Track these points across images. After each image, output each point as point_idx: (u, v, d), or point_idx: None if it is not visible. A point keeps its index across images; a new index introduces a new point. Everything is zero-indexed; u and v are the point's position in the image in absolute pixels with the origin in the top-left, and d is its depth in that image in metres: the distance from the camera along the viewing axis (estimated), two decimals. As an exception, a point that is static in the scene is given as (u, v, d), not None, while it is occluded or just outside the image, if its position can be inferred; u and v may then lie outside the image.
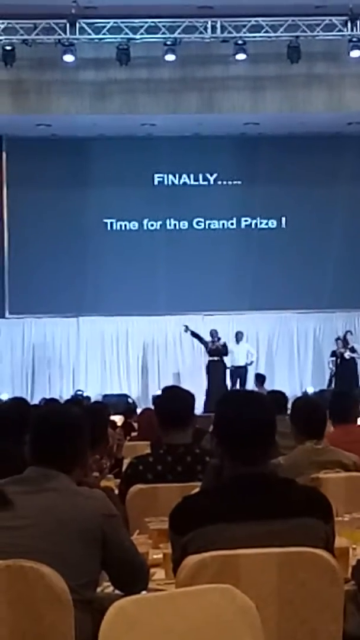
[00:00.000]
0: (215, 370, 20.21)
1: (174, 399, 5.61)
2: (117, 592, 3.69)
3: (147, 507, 4.97)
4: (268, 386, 18.71)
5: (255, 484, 3.43)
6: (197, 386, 17.20)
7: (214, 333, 20.45)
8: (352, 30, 19.10)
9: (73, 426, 3.76)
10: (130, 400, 18.79)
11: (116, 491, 5.26)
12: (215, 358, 20.28)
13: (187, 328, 20.55)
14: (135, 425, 10.94)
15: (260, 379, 20.17)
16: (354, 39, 19.08)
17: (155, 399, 5.94)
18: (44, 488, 3.57)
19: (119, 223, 21.85)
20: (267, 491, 3.44)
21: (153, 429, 7.58)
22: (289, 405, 7.00)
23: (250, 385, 19.98)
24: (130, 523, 5.00)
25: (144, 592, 3.58)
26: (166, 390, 6.02)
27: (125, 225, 21.90)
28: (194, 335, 20.55)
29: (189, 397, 5.67)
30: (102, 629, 2.78)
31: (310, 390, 20.17)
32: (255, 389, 18.28)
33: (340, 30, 19.18)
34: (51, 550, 3.42)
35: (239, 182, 21.87)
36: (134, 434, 10.55)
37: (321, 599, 3.28)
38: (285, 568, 3.28)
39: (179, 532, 3.42)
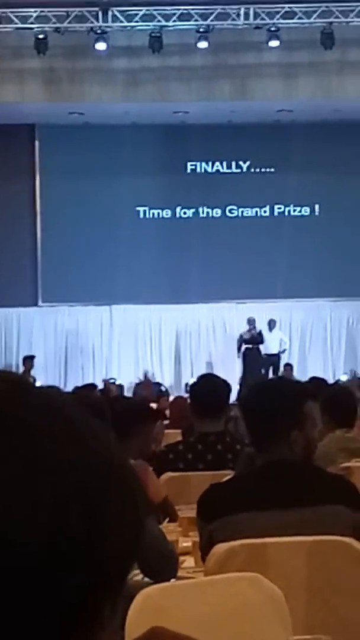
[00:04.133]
0: (251, 358, 20.20)
1: (210, 388, 5.59)
2: (146, 579, 3.68)
3: (178, 495, 4.96)
4: (301, 375, 18.64)
5: (284, 472, 3.41)
6: (230, 374, 17.17)
7: (251, 320, 20.43)
8: (386, 16, 18.95)
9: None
10: (162, 389, 18.82)
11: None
12: (251, 346, 20.29)
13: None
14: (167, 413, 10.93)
15: (288, 367, 20.18)
16: (388, 25, 18.93)
17: (191, 387, 5.91)
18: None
19: (151, 211, 21.83)
20: (296, 479, 3.42)
21: (184, 417, 7.57)
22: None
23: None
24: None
25: (173, 580, 3.57)
26: (202, 378, 5.99)
27: (158, 213, 21.87)
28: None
29: (225, 386, 5.64)
30: (129, 616, 2.77)
31: (344, 378, 20.09)
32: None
33: (374, 16, 19.04)
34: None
35: (272, 170, 21.78)
36: (165, 422, 10.54)
37: (350, 587, 3.27)
38: (314, 556, 3.27)
39: (206, 520, 3.41)
